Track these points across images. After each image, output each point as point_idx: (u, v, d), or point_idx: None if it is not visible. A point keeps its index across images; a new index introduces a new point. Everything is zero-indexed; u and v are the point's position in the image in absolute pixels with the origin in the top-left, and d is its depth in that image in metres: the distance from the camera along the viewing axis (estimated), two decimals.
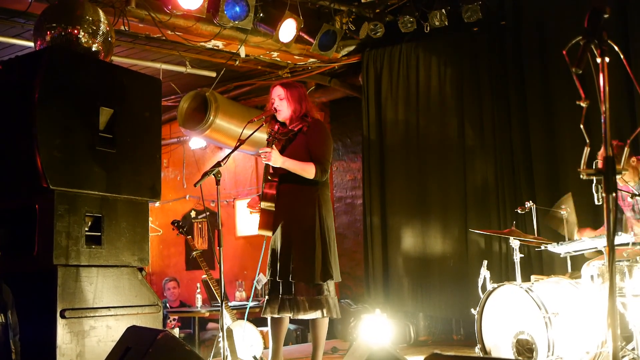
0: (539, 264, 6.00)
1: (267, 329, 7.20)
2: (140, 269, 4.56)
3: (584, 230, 4.76)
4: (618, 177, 1.87)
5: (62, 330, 3.91)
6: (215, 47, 6.85)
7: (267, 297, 4.30)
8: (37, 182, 4.02)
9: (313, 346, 4.34)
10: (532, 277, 4.77)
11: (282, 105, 4.41)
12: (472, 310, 4.66)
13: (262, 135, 7.84)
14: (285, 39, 6.37)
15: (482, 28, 6.72)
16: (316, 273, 4.19)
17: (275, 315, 4.24)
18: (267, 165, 4.37)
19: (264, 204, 4.36)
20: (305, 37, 6.68)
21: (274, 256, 4.29)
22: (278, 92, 4.44)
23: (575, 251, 4.69)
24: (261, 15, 6.19)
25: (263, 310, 4.30)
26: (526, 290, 4.30)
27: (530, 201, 5.10)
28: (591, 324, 4.21)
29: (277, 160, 4.19)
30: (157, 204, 9.38)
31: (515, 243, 4.66)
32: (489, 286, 4.65)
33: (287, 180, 4.30)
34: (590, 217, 5.24)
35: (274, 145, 4.21)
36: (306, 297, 4.18)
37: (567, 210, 5.02)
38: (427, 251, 6.99)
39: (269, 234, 4.38)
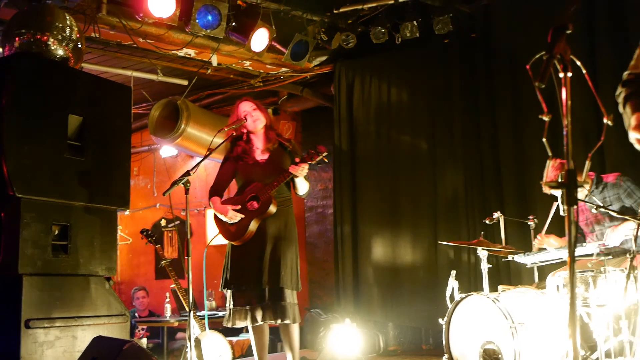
0: (507, 274, 6.06)
1: (236, 338, 7.19)
2: (108, 278, 4.52)
3: (549, 236, 4.83)
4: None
5: (27, 341, 3.84)
6: (187, 56, 6.82)
7: (248, 306, 4.40)
8: (3, 189, 3.96)
9: (293, 351, 4.50)
10: (500, 287, 4.83)
11: (257, 114, 4.62)
12: (440, 320, 4.69)
13: None
14: (258, 48, 6.37)
15: (453, 40, 6.80)
16: (299, 281, 4.50)
17: (259, 323, 4.39)
18: (247, 181, 4.52)
19: (239, 217, 4.44)
20: (278, 46, 6.70)
21: (259, 265, 4.38)
22: (250, 105, 4.65)
23: (541, 262, 4.75)
24: (233, 24, 6.18)
25: (234, 318, 4.37)
26: (493, 301, 4.34)
27: (499, 212, 5.16)
28: (556, 334, 4.27)
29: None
30: (127, 212, 9.28)
31: (483, 253, 4.71)
32: (457, 296, 4.69)
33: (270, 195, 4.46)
34: (556, 229, 5.31)
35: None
36: (292, 303, 4.40)
37: (534, 221, 5.08)
38: (397, 261, 7.02)
39: (238, 243, 4.49)
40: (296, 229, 4.63)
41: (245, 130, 4.64)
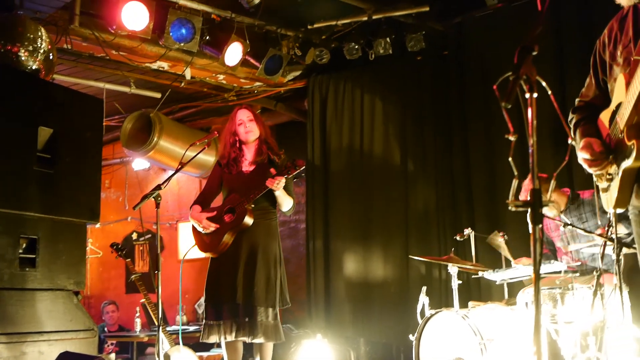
0: (478, 291, 6.08)
1: (206, 354, 7.13)
2: (76, 293, 4.46)
3: (519, 260, 4.87)
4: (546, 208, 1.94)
5: None
6: (160, 68, 6.80)
7: (221, 321, 4.35)
8: None
9: None
10: (470, 303, 4.85)
11: (252, 125, 4.58)
12: (410, 336, 4.70)
13: (205, 158, 7.78)
14: (231, 63, 6.37)
15: (426, 57, 6.87)
16: (277, 299, 4.37)
17: (232, 339, 4.33)
18: (230, 191, 4.49)
19: (214, 229, 4.42)
20: (252, 61, 6.70)
21: (233, 280, 4.33)
22: (247, 114, 4.59)
23: (510, 278, 4.80)
24: (207, 37, 6.18)
25: (207, 333, 4.33)
26: (462, 317, 4.36)
27: (469, 228, 5.19)
28: (525, 350, 4.30)
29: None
30: (98, 225, 9.19)
31: (453, 270, 4.74)
32: (427, 312, 4.71)
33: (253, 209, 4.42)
34: (526, 246, 5.36)
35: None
36: (265, 321, 4.30)
37: (504, 237, 5.12)
38: (369, 276, 7.03)
39: (214, 255, 4.48)
40: (278, 243, 4.54)
41: (237, 138, 4.60)
